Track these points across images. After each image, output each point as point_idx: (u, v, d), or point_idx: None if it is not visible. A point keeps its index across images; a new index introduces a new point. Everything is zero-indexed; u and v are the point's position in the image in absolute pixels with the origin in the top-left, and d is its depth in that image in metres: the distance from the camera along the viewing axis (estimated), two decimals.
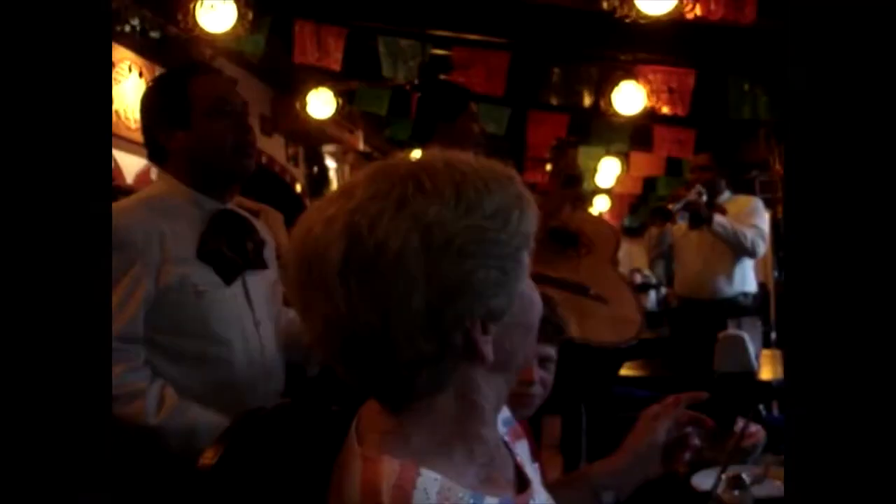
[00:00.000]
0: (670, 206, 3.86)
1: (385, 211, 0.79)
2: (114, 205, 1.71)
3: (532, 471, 1.00)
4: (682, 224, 4.09)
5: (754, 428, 1.87)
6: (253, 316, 1.86)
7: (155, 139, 1.85)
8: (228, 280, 1.81)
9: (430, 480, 0.80)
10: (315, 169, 7.11)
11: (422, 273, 0.78)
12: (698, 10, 3.49)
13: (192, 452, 1.65)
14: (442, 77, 4.84)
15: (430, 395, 0.84)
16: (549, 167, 2.96)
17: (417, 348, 0.80)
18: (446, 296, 0.79)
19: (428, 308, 0.79)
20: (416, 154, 0.91)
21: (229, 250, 1.82)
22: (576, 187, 2.84)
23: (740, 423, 1.91)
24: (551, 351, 1.59)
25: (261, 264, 1.92)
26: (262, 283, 1.91)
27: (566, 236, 2.71)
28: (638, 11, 3.32)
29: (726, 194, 4.35)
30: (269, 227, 2.83)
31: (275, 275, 2.01)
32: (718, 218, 3.99)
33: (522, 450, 1.04)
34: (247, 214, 1.99)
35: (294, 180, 6.71)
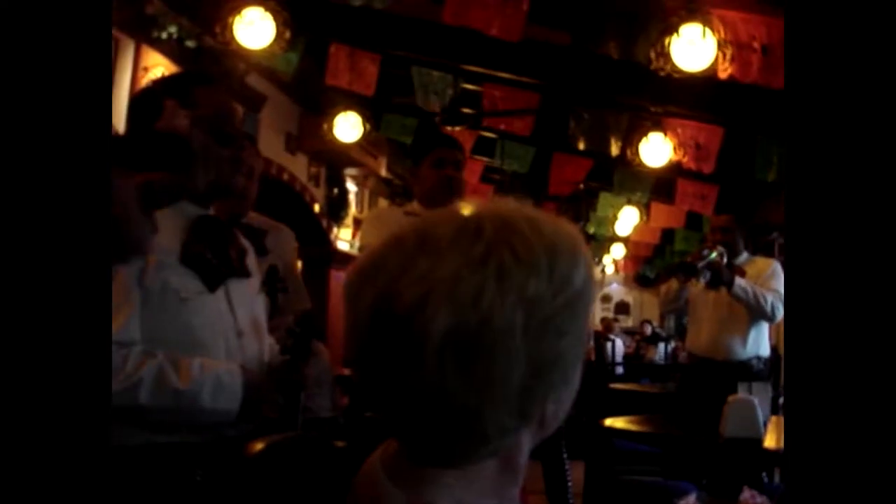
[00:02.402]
0: (695, 262, 3.82)
1: (487, 282, 0.74)
2: None
3: None
4: (699, 282, 4.04)
5: (760, 499, 1.83)
6: (235, 325, 1.82)
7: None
8: (212, 287, 1.77)
9: None
10: (335, 191, 7.12)
11: (524, 352, 0.74)
12: (732, 70, 3.48)
13: (221, 403, 1.68)
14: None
15: (483, 459, 0.82)
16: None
17: (502, 423, 0.77)
18: (540, 374, 0.77)
19: (523, 386, 0.76)
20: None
21: (213, 256, 1.78)
22: None
23: (746, 493, 1.87)
24: None
25: (244, 272, 1.88)
26: (245, 292, 1.87)
27: None
28: (674, 66, 3.31)
29: (744, 255, 4.30)
30: (277, 245, 2.84)
31: (257, 284, 1.98)
32: (739, 281, 3.95)
33: None
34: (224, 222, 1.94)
35: (313, 200, 6.72)
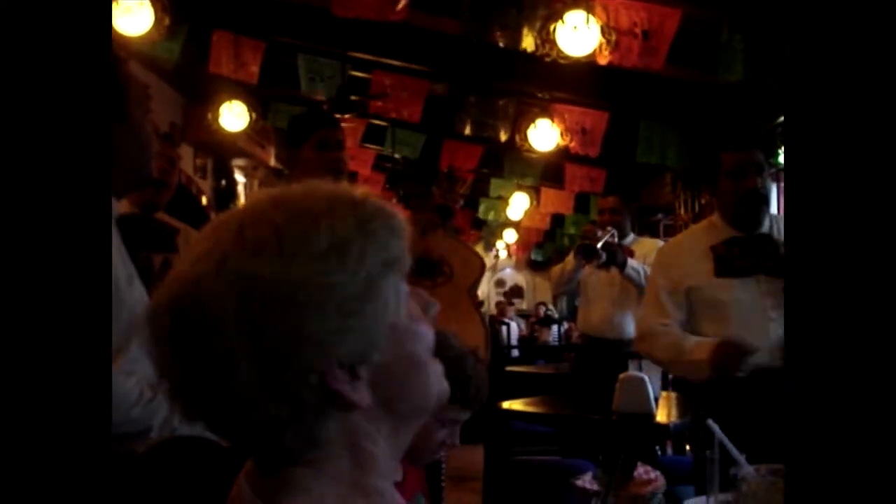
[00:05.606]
0: (595, 244, 3.91)
1: (206, 275, 0.72)
2: None
3: None
4: (598, 262, 4.12)
5: (654, 474, 1.88)
6: None
7: None
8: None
9: None
10: (223, 182, 6.96)
11: (243, 338, 0.70)
12: (614, 56, 3.56)
13: None
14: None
15: (311, 453, 0.77)
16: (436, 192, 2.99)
17: (268, 412, 0.72)
18: (278, 356, 0.71)
19: (261, 372, 0.71)
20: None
21: (154, 265, 1.70)
22: (447, 219, 2.83)
23: (640, 469, 1.92)
24: (459, 415, 1.54)
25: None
26: None
27: (424, 265, 2.72)
28: (559, 51, 3.36)
29: (631, 236, 4.42)
30: (187, 244, 2.75)
31: None
32: (631, 262, 4.06)
33: None
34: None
35: (200, 192, 6.54)
